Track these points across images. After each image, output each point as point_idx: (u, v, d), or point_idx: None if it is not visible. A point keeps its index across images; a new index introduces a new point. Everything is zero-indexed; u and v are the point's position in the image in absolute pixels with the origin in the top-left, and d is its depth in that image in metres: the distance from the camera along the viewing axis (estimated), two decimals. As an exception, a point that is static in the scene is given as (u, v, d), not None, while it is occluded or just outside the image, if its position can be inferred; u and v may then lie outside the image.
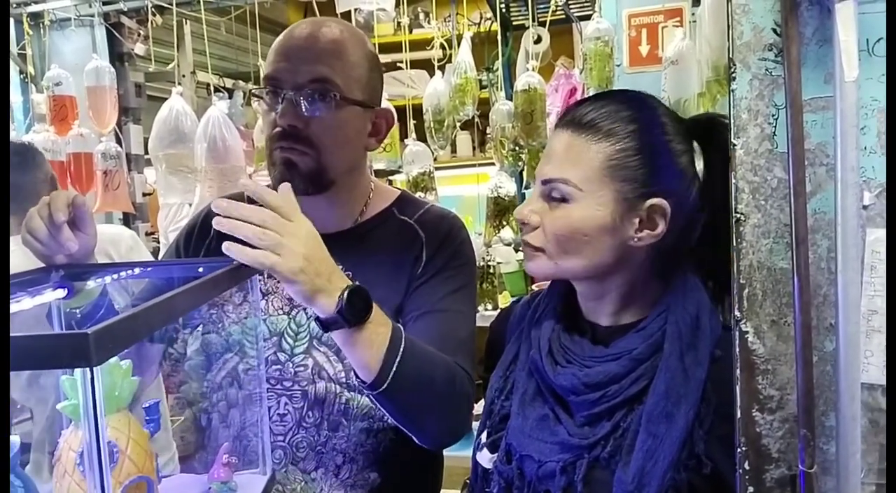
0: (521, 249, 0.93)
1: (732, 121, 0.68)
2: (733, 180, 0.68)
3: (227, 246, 0.87)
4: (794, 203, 0.65)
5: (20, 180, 2.13)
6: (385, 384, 0.95)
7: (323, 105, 1.07)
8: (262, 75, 1.10)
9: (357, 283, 0.96)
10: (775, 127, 0.67)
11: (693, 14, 2.12)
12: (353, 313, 0.92)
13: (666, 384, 0.84)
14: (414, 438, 1.05)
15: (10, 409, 0.55)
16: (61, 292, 0.98)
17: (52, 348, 0.52)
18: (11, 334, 0.52)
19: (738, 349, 0.69)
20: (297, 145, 1.07)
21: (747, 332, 0.69)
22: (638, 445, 0.82)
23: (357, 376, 0.98)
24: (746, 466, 0.69)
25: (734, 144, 0.68)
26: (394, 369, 0.95)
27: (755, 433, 0.69)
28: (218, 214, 0.89)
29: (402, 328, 1.00)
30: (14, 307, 0.86)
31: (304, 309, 1.14)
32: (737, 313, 0.69)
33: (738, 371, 0.69)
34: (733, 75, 0.67)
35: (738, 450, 0.70)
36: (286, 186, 0.96)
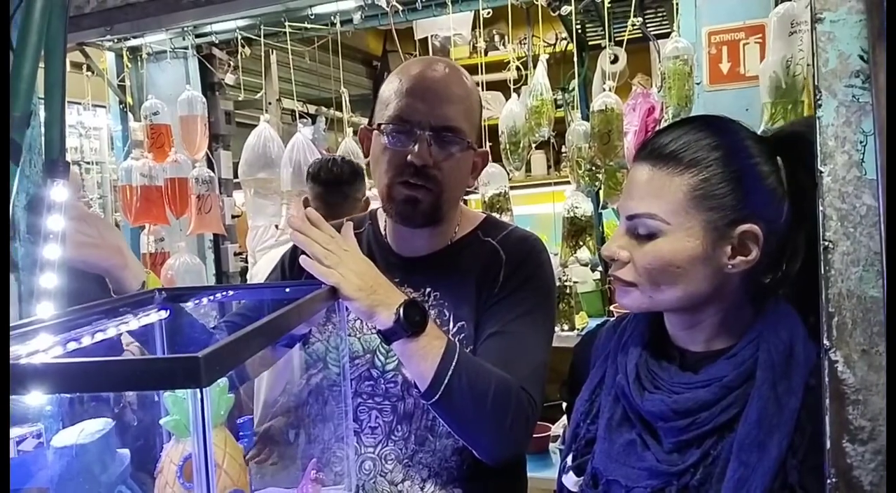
0: (607, 279, 0.94)
1: (819, 148, 0.67)
2: (821, 208, 0.68)
3: (303, 260, 1.06)
4: (884, 231, 0.64)
5: (349, 193, 2.30)
6: (437, 395, 1.02)
7: (452, 149, 1.16)
8: (388, 113, 1.16)
9: (414, 297, 1.06)
10: (863, 154, 0.66)
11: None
12: (409, 323, 1.02)
13: (758, 413, 0.82)
14: (472, 451, 1.09)
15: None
16: (164, 313, 1.05)
17: (165, 370, 0.56)
18: (127, 358, 0.57)
19: (827, 379, 0.68)
20: (426, 183, 1.14)
21: (837, 361, 0.68)
22: (729, 473, 0.81)
23: (416, 387, 1.06)
24: (837, 498, 0.68)
25: (821, 171, 0.67)
26: (446, 380, 1.02)
27: (846, 465, 0.68)
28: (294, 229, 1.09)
29: (457, 344, 1.07)
30: (122, 328, 0.93)
31: None
32: (825, 342, 0.68)
33: (827, 401, 0.68)
34: (819, 103, 0.67)
35: (829, 481, 0.68)
36: (349, 225, 1.15)
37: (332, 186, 2.28)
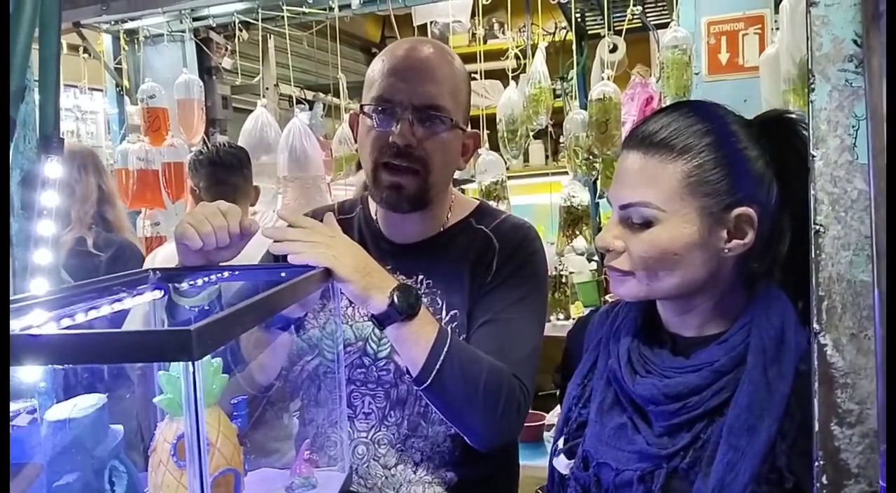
0: (603, 266, 0.94)
1: (812, 132, 0.68)
2: (812, 192, 0.68)
3: (291, 256, 0.99)
4: (874, 215, 0.64)
5: (235, 180, 2.24)
6: (429, 381, 1.02)
7: (437, 129, 1.14)
8: (371, 94, 1.15)
9: (407, 282, 1.04)
10: (855, 138, 0.66)
11: (775, 21, 2.07)
12: (403, 307, 1.00)
13: (749, 397, 0.83)
14: (465, 437, 1.09)
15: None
16: (158, 293, 1.05)
17: (157, 343, 0.56)
18: (120, 330, 0.57)
19: (816, 363, 0.68)
20: (411, 164, 1.13)
21: (826, 345, 0.68)
22: (718, 457, 0.82)
23: (408, 373, 1.05)
24: (824, 480, 0.68)
25: (813, 156, 0.68)
26: (437, 366, 1.01)
27: (833, 448, 0.68)
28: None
29: (448, 331, 1.06)
30: (116, 307, 0.93)
31: None
32: (815, 325, 0.68)
33: (816, 385, 0.69)
34: (812, 87, 0.67)
35: (816, 464, 0.69)
36: (330, 215, 1.13)
37: (228, 170, 2.23)
